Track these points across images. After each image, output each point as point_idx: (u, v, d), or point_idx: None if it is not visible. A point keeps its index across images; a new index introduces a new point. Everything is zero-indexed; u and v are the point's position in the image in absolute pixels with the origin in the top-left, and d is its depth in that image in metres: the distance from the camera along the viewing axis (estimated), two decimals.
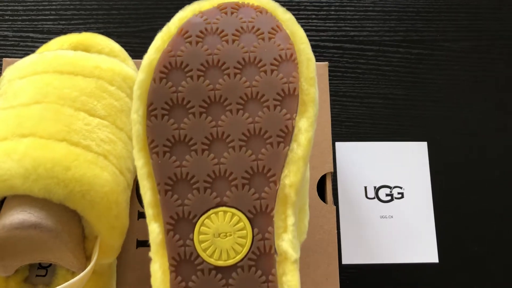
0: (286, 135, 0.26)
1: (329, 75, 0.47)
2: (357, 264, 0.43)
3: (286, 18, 0.28)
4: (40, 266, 0.30)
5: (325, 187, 0.36)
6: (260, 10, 0.27)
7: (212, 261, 0.25)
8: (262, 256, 0.25)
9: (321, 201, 0.36)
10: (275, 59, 0.26)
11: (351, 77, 0.47)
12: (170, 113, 0.26)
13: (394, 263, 0.43)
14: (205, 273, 0.25)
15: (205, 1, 0.28)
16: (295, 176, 0.25)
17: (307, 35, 0.27)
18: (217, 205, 0.26)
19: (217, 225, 0.25)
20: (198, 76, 0.26)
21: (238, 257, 0.25)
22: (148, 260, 0.26)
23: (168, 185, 0.26)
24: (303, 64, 0.27)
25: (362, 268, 0.43)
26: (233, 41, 0.27)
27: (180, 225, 0.25)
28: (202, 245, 0.25)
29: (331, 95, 0.46)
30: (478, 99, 0.47)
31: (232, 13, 0.27)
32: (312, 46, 0.28)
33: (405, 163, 0.46)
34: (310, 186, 0.36)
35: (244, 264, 0.25)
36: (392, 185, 0.45)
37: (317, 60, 0.31)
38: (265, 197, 0.25)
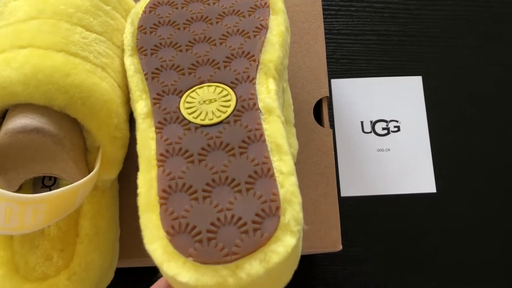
0: (261, 30, 0.29)
1: (323, 14, 0.47)
2: (356, 196, 0.44)
3: None
4: (44, 185, 0.31)
5: (322, 111, 0.37)
6: None
7: (198, 121, 0.26)
8: (246, 112, 0.26)
9: (318, 124, 0.36)
10: None
11: (345, 15, 0.48)
12: (156, 31, 0.30)
13: (392, 194, 0.44)
14: (191, 130, 0.26)
15: None
16: (271, 54, 0.28)
17: None
18: (201, 83, 0.28)
19: (202, 96, 0.27)
20: (182, 6, 0.31)
21: (224, 116, 0.26)
22: None
23: (155, 73, 0.28)
24: None
25: (361, 199, 0.43)
26: None
27: (166, 99, 0.27)
28: (188, 110, 0.26)
29: (325, 33, 0.46)
30: (472, 33, 0.48)
31: None
32: None
33: (401, 98, 0.46)
34: (306, 111, 0.37)
35: (230, 120, 0.26)
36: (388, 119, 0.46)
37: None
38: (246, 71, 0.28)
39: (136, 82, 0.28)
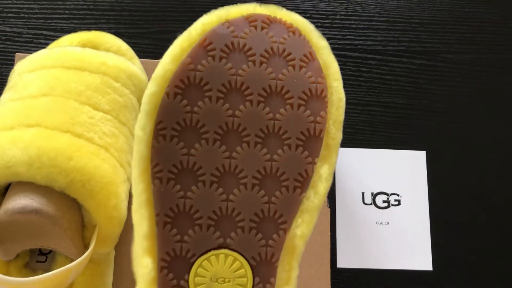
0: (304, 180, 0.24)
1: None
2: (352, 268, 0.44)
3: (321, 46, 0.25)
4: (40, 252, 0.31)
5: None
6: (293, 30, 0.25)
7: None
8: None
9: None
10: (304, 92, 0.24)
11: (353, 85, 0.48)
12: (180, 136, 0.23)
13: (388, 269, 0.44)
14: None
15: (233, 7, 0.25)
16: (307, 227, 0.24)
17: None
18: (219, 247, 0.23)
19: (216, 269, 0.23)
20: (218, 98, 0.23)
21: None
22: None
23: (169, 217, 0.23)
24: (333, 105, 0.25)
25: (356, 272, 0.43)
26: (261, 63, 0.24)
27: (176, 264, 0.23)
28: None
29: None
30: (478, 111, 0.48)
31: (262, 28, 0.24)
32: None
33: (403, 171, 0.47)
34: None
35: None
36: (389, 192, 0.46)
37: None
38: (272, 245, 0.23)
39: (146, 226, 0.23)
